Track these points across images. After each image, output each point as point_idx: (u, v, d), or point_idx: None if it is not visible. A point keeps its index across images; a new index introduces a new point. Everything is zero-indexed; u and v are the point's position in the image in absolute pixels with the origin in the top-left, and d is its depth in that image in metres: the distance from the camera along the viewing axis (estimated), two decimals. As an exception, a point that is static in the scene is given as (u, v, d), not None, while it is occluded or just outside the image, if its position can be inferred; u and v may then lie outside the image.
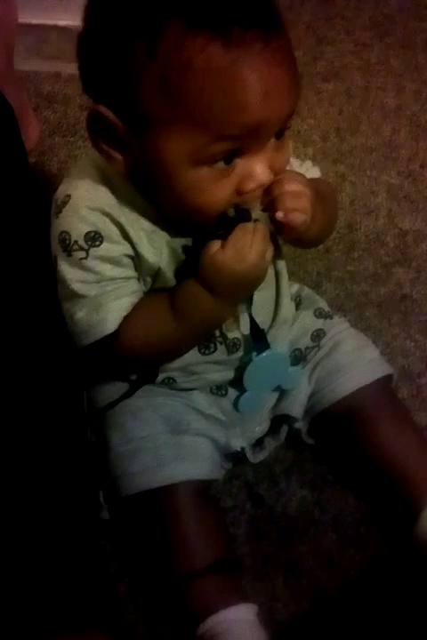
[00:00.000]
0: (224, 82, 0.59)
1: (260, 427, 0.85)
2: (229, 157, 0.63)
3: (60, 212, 0.70)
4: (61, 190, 0.71)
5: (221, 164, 0.63)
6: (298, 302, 0.89)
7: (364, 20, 1.54)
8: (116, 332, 0.70)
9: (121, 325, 0.70)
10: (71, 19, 1.16)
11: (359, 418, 0.82)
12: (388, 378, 0.86)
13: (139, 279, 0.73)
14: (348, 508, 0.85)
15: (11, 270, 0.88)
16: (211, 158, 0.62)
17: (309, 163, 0.84)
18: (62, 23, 1.21)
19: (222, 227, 0.66)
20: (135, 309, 0.70)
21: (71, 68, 1.17)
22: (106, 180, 0.70)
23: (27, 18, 1.14)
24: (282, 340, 0.84)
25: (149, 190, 0.68)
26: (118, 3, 0.62)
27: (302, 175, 0.72)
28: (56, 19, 1.20)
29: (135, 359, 0.75)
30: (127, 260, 0.71)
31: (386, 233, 1.14)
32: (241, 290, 0.71)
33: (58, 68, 1.27)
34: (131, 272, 0.71)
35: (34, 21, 1.21)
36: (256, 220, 0.67)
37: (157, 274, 0.72)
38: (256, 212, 0.67)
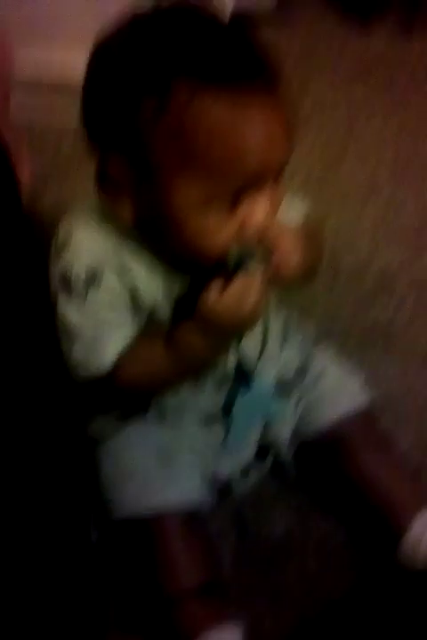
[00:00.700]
0: (232, 133, 0.63)
1: (246, 456, 0.87)
2: (233, 201, 0.67)
3: (62, 251, 0.73)
4: (62, 230, 0.74)
5: (226, 208, 0.67)
6: (284, 334, 0.91)
7: (345, 67, 1.60)
8: (112, 368, 0.73)
9: (116, 362, 0.73)
10: (63, 69, 1.21)
11: (343, 446, 0.85)
12: (370, 405, 0.89)
13: (135, 317, 0.76)
14: (331, 533, 0.87)
15: (7, 304, 0.91)
16: (218, 203, 0.66)
17: (296, 199, 0.88)
18: (54, 73, 1.25)
19: (221, 271, 0.70)
20: (131, 347, 0.74)
21: (63, 115, 1.22)
22: (105, 221, 0.73)
23: (20, 67, 1.17)
24: (269, 372, 0.87)
25: (155, 233, 0.71)
26: (125, 60, 0.66)
27: (291, 225, 0.76)
28: (48, 68, 1.24)
29: (130, 393, 0.78)
30: (124, 300, 0.74)
31: (368, 264, 1.18)
32: (236, 335, 0.75)
33: (50, 113, 1.31)
34: (127, 311, 0.75)
35: (27, 71, 1.24)
36: (254, 268, 0.70)
37: (152, 312, 0.76)
38: (254, 261, 0.70)
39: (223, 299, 0.69)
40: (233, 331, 0.73)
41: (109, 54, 0.68)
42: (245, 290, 0.69)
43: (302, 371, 0.89)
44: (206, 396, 0.83)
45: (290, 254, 0.72)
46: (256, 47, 0.68)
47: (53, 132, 1.32)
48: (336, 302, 1.13)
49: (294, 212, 0.85)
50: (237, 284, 0.68)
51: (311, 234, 0.81)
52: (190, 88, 0.63)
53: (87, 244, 0.72)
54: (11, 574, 0.73)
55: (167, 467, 0.80)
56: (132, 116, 0.65)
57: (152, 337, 0.75)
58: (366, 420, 0.88)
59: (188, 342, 0.72)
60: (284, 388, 0.88)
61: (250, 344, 0.82)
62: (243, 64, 0.65)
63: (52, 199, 1.23)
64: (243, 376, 0.82)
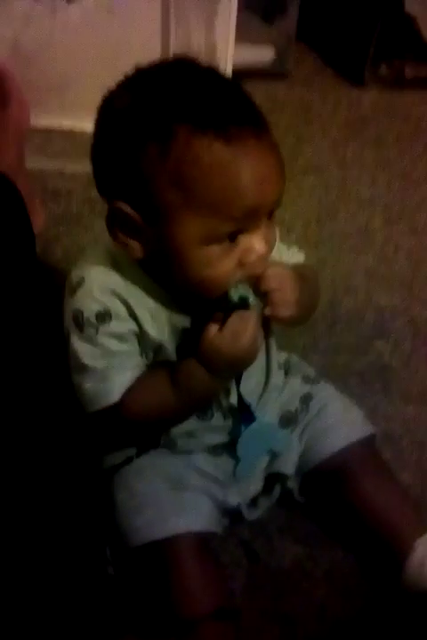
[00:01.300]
0: (228, 172, 0.68)
1: (254, 486, 0.90)
2: (232, 235, 0.72)
3: (75, 292, 0.77)
4: (76, 273, 0.79)
5: (226, 242, 0.72)
6: (287, 369, 0.96)
7: (339, 120, 1.66)
8: (120, 401, 0.77)
9: (124, 396, 0.77)
10: (74, 122, 1.27)
11: (346, 474, 0.88)
12: (371, 437, 0.93)
13: (142, 354, 0.80)
14: (338, 561, 0.89)
15: (21, 346, 0.95)
16: (219, 237, 0.71)
17: (295, 249, 0.93)
18: (66, 126, 1.31)
19: (222, 309, 0.74)
20: (138, 382, 0.78)
21: (74, 166, 1.28)
22: (116, 263, 0.78)
23: (34, 121, 1.24)
24: (273, 405, 0.91)
25: (162, 271, 0.76)
26: (130, 110, 0.71)
27: (288, 268, 0.80)
28: (60, 122, 1.30)
29: (137, 425, 0.82)
30: (132, 337, 0.78)
31: (365, 309, 1.22)
32: (235, 368, 0.79)
33: (62, 165, 1.35)
34: (135, 347, 0.79)
35: (40, 124, 1.30)
36: (251, 306, 0.74)
37: (159, 348, 0.80)
38: (252, 300, 0.75)
39: (221, 333, 0.73)
40: (233, 365, 0.76)
41: (115, 107, 0.73)
42: (241, 325, 0.73)
43: (305, 402, 0.93)
44: (213, 427, 0.86)
45: (286, 292, 0.76)
46: (247, 95, 0.74)
47: (66, 178, 1.36)
48: (336, 344, 1.17)
49: (293, 261, 0.90)
50: (235, 320, 0.73)
51: (307, 277, 0.86)
52: (189, 133, 0.68)
53: (98, 286, 0.77)
54: (29, 609, 0.76)
55: (179, 493, 0.83)
56: (137, 162, 0.70)
57: (158, 371, 0.79)
58: (367, 450, 0.91)
59: (191, 376, 0.77)
60: (288, 418, 0.92)
61: (253, 378, 0.86)
62: (236, 111, 0.70)
63: (66, 245, 1.27)
64: (247, 410, 0.86)
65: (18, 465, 0.92)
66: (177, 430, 0.85)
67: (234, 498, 0.88)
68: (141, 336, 0.79)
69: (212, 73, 0.74)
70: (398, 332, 1.19)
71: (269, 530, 0.92)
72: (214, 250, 0.71)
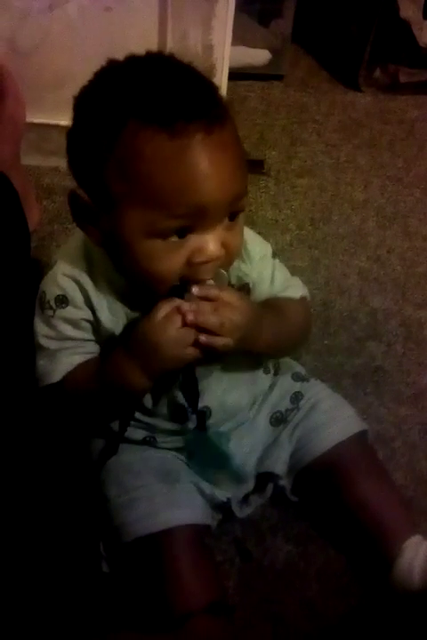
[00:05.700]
0: (169, 167, 0.68)
1: (245, 485, 0.90)
2: (181, 232, 0.71)
3: (46, 274, 0.81)
4: (53, 258, 0.83)
5: (174, 238, 0.71)
6: (277, 368, 0.96)
7: (334, 123, 1.67)
8: (61, 381, 0.80)
9: (64, 378, 0.80)
10: (70, 119, 1.27)
11: (338, 471, 0.88)
12: (363, 433, 0.93)
13: (96, 342, 0.82)
14: (330, 560, 0.90)
15: (10, 342, 0.95)
16: (163, 232, 0.71)
17: (296, 279, 0.90)
18: (62, 123, 1.31)
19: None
20: (78, 366, 0.80)
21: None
22: (87, 252, 0.80)
23: (30, 117, 1.24)
24: (262, 405, 0.92)
25: (115, 259, 0.77)
26: (89, 105, 0.72)
27: (241, 297, 0.77)
28: (56, 119, 1.29)
29: (75, 407, 0.84)
30: (86, 325, 0.81)
31: (358, 310, 1.23)
32: (151, 359, 0.74)
33: (57, 162, 1.35)
34: (88, 335, 0.81)
35: (36, 120, 1.31)
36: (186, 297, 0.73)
37: (112, 339, 0.81)
38: (187, 294, 0.73)
39: (146, 320, 0.74)
40: (146, 350, 0.74)
41: (81, 97, 0.74)
42: (167, 317, 0.72)
43: (296, 400, 0.93)
44: (170, 430, 0.87)
45: (222, 328, 0.73)
46: (211, 91, 0.73)
47: (61, 176, 1.37)
48: (329, 345, 1.17)
49: (284, 294, 0.87)
50: (158, 306, 0.73)
51: (283, 312, 0.84)
52: (136, 126, 0.68)
53: (62, 272, 0.80)
54: (24, 606, 0.76)
55: (170, 486, 0.84)
56: (91, 151, 0.71)
57: (95, 359, 0.82)
58: (359, 446, 0.92)
59: (114, 362, 0.78)
60: (279, 418, 0.92)
61: (238, 389, 0.87)
62: (187, 106, 0.69)
63: (60, 242, 1.26)
64: (202, 417, 0.84)
65: (10, 463, 0.92)
66: (157, 427, 0.86)
67: (223, 493, 0.88)
68: (97, 325, 0.81)
69: (179, 68, 0.73)
70: (390, 334, 1.20)
71: (262, 528, 0.93)
72: (158, 244, 0.71)
